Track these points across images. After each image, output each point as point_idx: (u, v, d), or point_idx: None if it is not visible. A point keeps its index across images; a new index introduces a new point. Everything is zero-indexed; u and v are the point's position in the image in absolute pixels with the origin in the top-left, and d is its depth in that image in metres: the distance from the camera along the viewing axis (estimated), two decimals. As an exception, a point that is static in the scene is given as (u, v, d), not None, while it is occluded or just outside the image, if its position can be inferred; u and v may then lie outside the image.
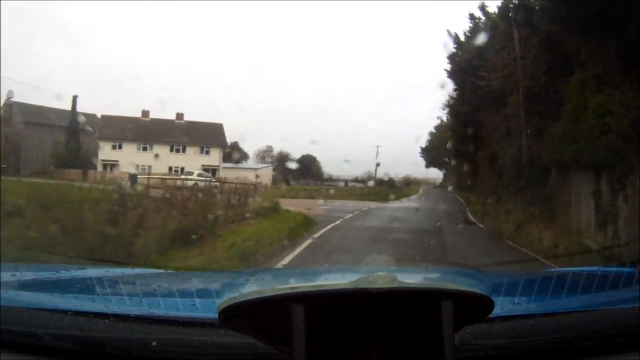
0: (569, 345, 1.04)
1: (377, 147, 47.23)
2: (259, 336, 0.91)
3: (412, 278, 1.09)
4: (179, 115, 36.81)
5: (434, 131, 48.79)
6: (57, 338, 0.99)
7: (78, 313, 1.07)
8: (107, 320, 1.05)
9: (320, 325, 0.84)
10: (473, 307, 0.90)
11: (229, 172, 32.49)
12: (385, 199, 26.82)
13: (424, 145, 59.80)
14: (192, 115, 38.66)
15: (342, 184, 53.41)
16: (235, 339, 0.96)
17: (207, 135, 36.13)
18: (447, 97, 28.88)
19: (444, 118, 36.28)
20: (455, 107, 26.02)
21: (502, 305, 1.17)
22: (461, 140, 23.95)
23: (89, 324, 1.03)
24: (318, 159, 54.98)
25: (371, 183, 37.82)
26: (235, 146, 48.24)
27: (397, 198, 30.08)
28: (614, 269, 1.64)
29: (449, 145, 31.28)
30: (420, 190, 41.69)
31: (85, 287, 1.53)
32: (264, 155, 55.53)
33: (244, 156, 50.47)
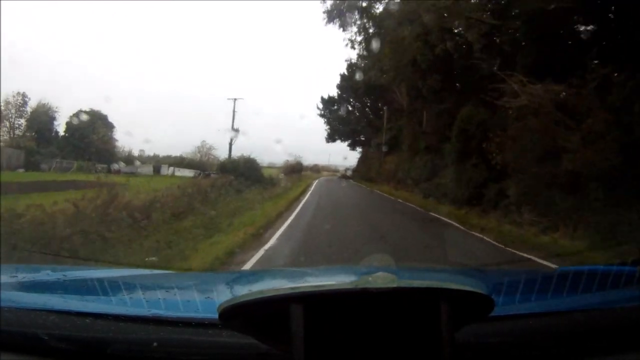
0: (570, 344, 1.04)
1: (235, 99, 25.67)
2: (259, 336, 0.91)
3: (412, 278, 1.09)
4: None
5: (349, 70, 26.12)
6: (57, 339, 0.99)
7: (78, 314, 1.07)
8: (107, 321, 1.05)
9: (320, 325, 0.84)
10: (473, 306, 0.90)
11: None
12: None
13: (327, 97, 33.45)
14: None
15: (148, 169, 28.87)
16: (235, 339, 0.96)
17: None
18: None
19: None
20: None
21: (503, 305, 1.17)
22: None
23: (90, 325, 1.03)
24: (113, 119, 30.69)
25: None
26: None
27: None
28: (615, 268, 1.64)
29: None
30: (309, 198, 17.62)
31: (86, 287, 1.53)
32: (13, 108, 30.93)
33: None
